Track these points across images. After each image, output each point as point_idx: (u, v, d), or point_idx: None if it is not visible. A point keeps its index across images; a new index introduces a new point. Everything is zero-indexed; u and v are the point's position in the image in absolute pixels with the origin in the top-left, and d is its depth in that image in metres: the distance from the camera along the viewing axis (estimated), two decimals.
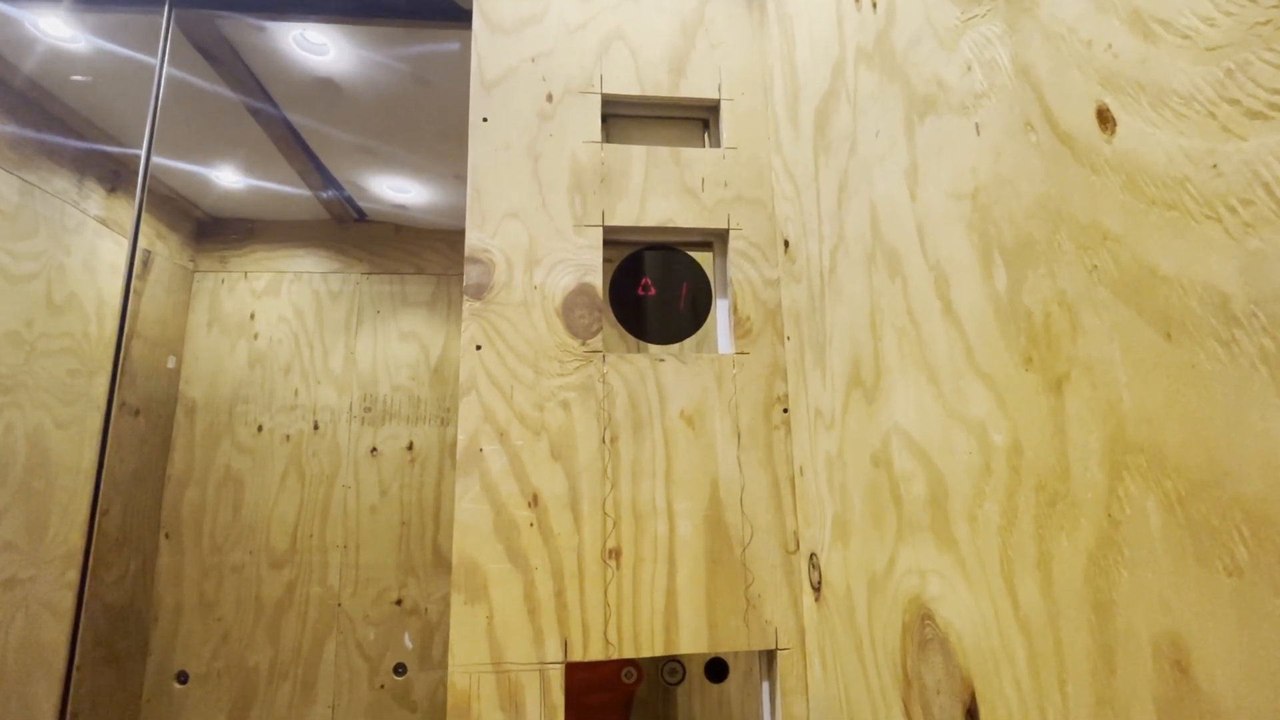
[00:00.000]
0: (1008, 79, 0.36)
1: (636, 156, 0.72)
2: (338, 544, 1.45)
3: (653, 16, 0.76)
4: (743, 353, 0.69)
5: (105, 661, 1.28)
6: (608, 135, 0.75)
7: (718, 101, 0.75)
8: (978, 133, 0.38)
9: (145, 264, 1.41)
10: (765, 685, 0.65)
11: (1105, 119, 0.29)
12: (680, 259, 0.74)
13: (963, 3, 0.40)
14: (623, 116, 0.77)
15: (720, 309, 0.73)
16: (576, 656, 0.60)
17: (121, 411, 1.34)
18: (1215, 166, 0.24)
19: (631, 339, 0.73)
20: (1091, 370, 0.30)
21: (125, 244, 1.34)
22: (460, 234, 0.69)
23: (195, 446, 1.45)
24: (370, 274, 1.59)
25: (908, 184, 0.46)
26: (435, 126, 1.34)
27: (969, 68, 0.39)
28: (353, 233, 1.61)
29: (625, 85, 0.74)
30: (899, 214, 0.47)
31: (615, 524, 0.63)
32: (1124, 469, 0.28)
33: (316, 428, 1.49)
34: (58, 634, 1.16)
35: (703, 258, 0.75)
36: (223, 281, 1.54)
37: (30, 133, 1.21)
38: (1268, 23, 0.23)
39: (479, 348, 0.65)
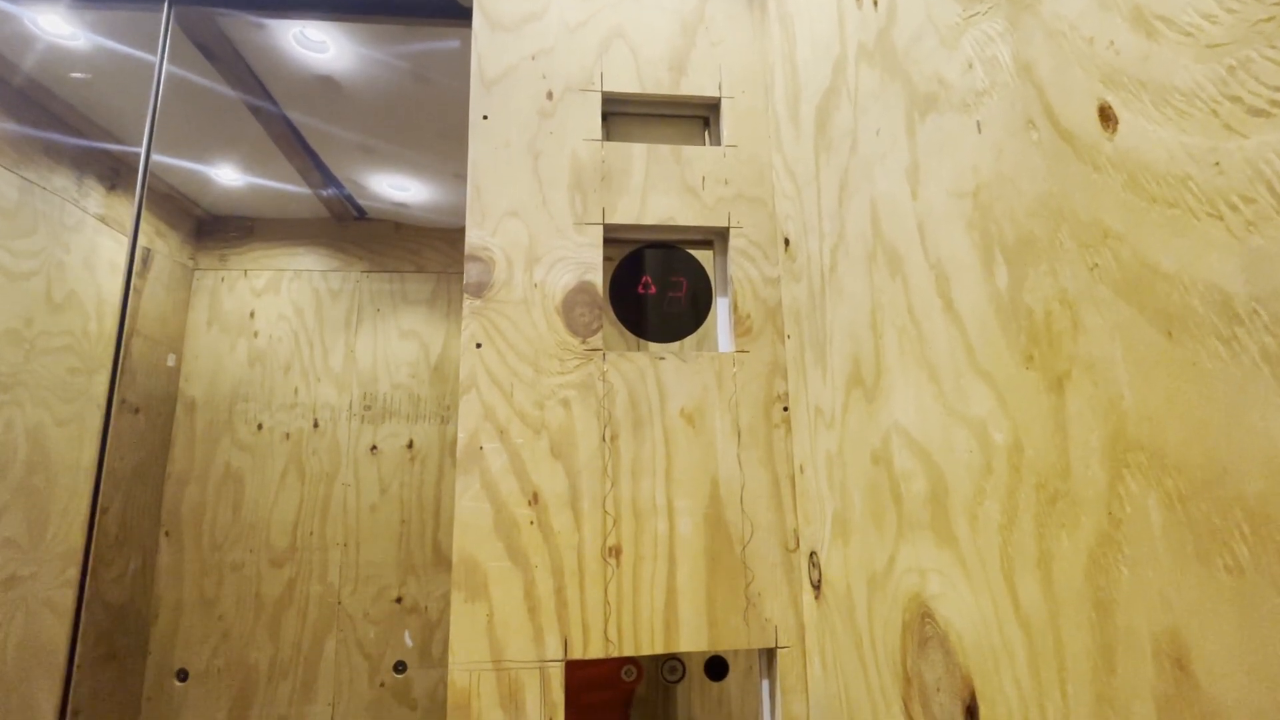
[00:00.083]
0: (1009, 77, 0.36)
1: (637, 154, 0.72)
2: (338, 542, 1.45)
3: (653, 14, 0.76)
4: (743, 351, 0.69)
5: (105, 659, 1.28)
6: (608, 133, 0.75)
7: (718, 99, 0.75)
8: (979, 131, 0.38)
9: (145, 262, 1.41)
10: (765, 683, 0.65)
11: (1107, 116, 0.29)
12: (681, 257, 0.74)
13: (964, 0, 0.40)
14: (623, 114, 0.76)
15: (720, 307, 0.73)
16: (576, 654, 0.60)
17: (121, 409, 1.34)
18: (1217, 164, 0.24)
19: (632, 337, 0.73)
20: (1092, 368, 0.30)
21: (125, 242, 1.34)
22: (460, 232, 0.69)
23: (195, 444, 1.45)
24: (370, 272, 1.59)
25: (909, 182, 0.46)
26: (435, 124, 1.33)
27: (970, 65, 0.39)
28: (353, 231, 1.61)
29: (626, 83, 0.74)
30: (900, 212, 0.47)
31: (615, 522, 0.63)
32: (1125, 467, 0.28)
33: (316, 426, 1.49)
34: (58, 632, 1.16)
35: (703, 256, 0.75)
36: (222, 279, 1.54)
37: (30, 130, 1.21)
38: (1270, 20, 0.23)
39: (479, 346, 0.65)
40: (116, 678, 1.31)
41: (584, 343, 0.67)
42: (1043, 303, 0.33)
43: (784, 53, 0.70)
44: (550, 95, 0.72)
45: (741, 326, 0.69)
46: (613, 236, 0.71)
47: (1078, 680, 0.31)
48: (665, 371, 0.67)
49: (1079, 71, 0.31)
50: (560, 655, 0.60)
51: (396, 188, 1.53)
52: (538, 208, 0.69)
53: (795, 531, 0.65)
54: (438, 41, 1.11)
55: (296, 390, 1.51)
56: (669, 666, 0.68)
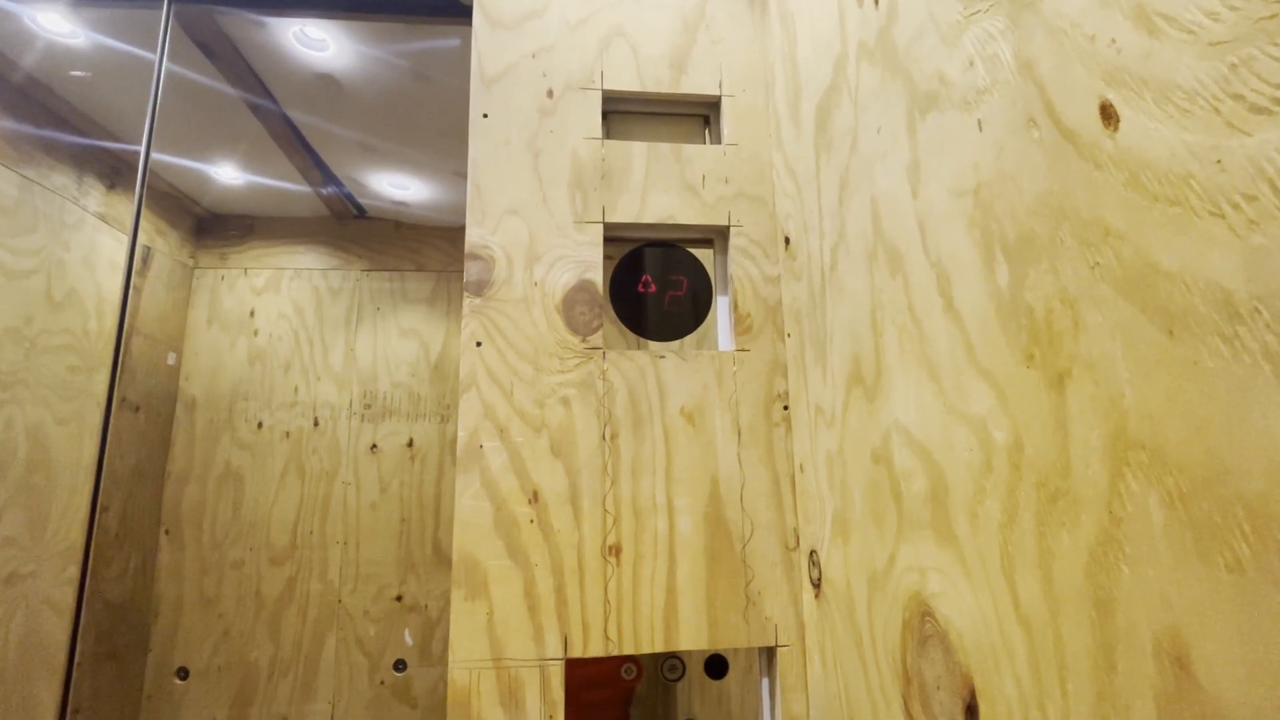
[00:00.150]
0: (1010, 75, 0.36)
1: (637, 153, 0.72)
2: (338, 540, 1.45)
3: (654, 13, 0.76)
4: (743, 350, 0.69)
5: (106, 657, 1.28)
6: (608, 131, 0.75)
7: (719, 98, 0.75)
8: (980, 129, 0.38)
9: (145, 260, 1.41)
10: (765, 682, 0.65)
11: (1108, 115, 0.29)
12: (681, 256, 0.74)
13: None
14: (623, 113, 0.76)
15: (721, 306, 0.72)
16: (576, 653, 0.60)
17: (121, 408, 1.34)
18: (1219, 162, 0.24)
19: (632, 336, 0.73)
20: (1093, 367, 0.30)
21: (125, 240, 1.34)
22: (460, 231, 0.69)
23: (195, 443, 1.45)
24: (370, 270, 1.59)
25: (909, 180, 0.46)
26: (435, 123, 1.33)
27: (971, 63, 0.39)
28: (352, 229, 1.61)
29: (626, 81, 0.74)
30: (900, 211, 0.47)
31: (615, 521, 0.63)
32: (1125, 466, 0.28)
33: (316, 424, 1.49)
34: (59, 630, 1.16)
35: (703, 255, 0.75)
36: (222, 278, 1.54)
37: (29, 128, 1.21)
38: (1272, 17, 0.23)
39: (479, 344, 0.65)
40: (117, 676, 1.31)
41: (584, 341, 0.67)
42: (1043, 301, 0.33)
43: (785, 51, 0.70)
44: (550, 93, 0.72)
45: (742, 325, 0.69)
46: (613, 235, 0.71)
47: (1078, 679, 0.31)
48: (665, 370, 0.67)
49: (1080, 69, 0.31)
50: (560, 653, 0.60)
51: (397, 186, 1.53)
52: (538, 206, 0.69)
53: (795, 530, 0.65)
54: (438, 40, 1.11)
55: (296, 389, 1.51)
56: (669, 665, 0.68)
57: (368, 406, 1.52)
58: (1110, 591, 0.29)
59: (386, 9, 1.05)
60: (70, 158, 1.27)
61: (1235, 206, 0.24)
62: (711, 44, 0.76)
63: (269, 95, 1.24)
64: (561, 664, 0.59)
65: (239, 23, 1.07)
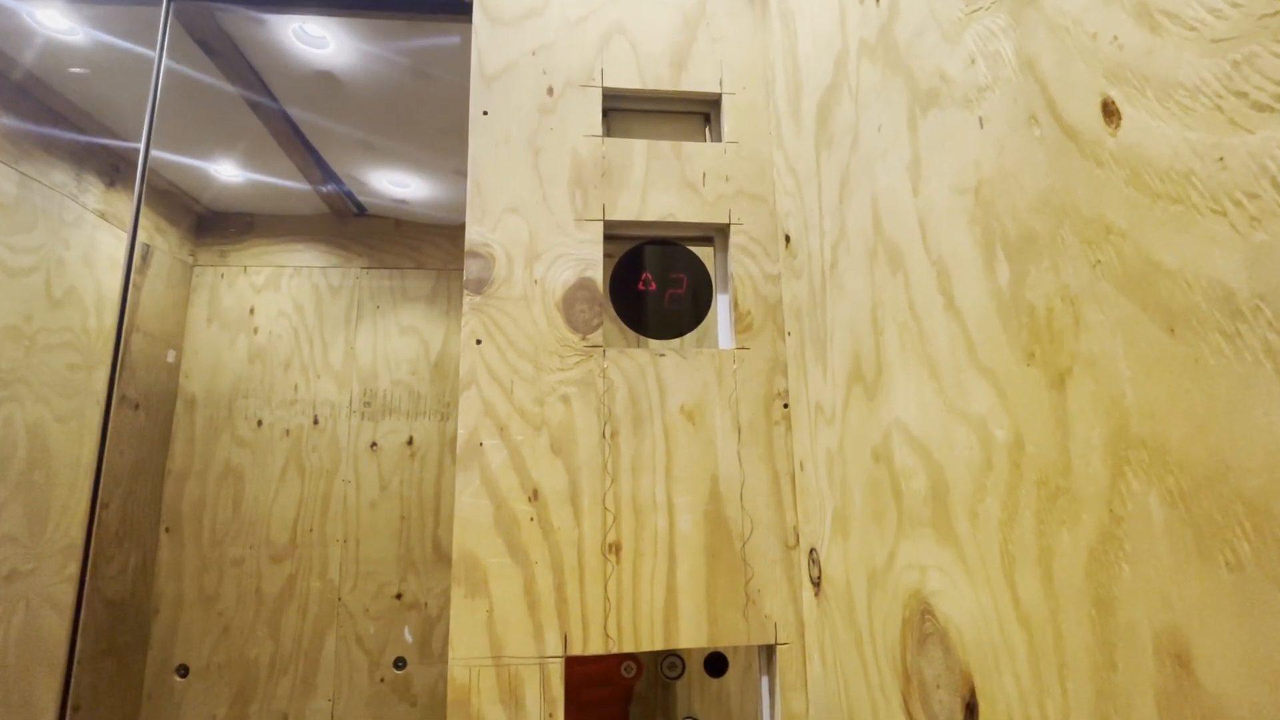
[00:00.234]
0: (1012, 72, 0.36)
1: (637, 151, 0.72)
2: (338, 538, 1.45)
3: (654, 10, 0.76)
4: (743, 348, 0.69)
5: (106, 654, 1.28)
6: (608, 129, 0.75)
7: (719, 95, 0.75)
8: (981, 126, 0.38)
9: (145, 258, 1.41)
10: (764, 680, 0.65)
11: (1110, 112, 0.29)
12: (681, 254, 0.74)
13: None
14: (623, 110, 0.76)
15: (721, 304, 0.72)
16: (576, 651, 0.60)
17: (121, 405, 1.33)
18: (1221, 160, 0.24)
19: (632, 334, 0.73)
20: (1094, 365, 0.30)
21: (124, 238, 1.33)
22: (460, 229, 0.68)
23: (195, 441, 1.45)
24: (370, 269, 1.59)
25: (910, 178, 0.46)
26: (435, 121, 1.33)
27: (973, 61, 0.39)
28: (352, 227, 1.61)
29: (626, 79, 0.74)
30: (901, 208, 0.47)
31: (615, 519, 0.63)
32: (1126, 464, 0.28)
33: (316, 422, 1.49)
34: (59, 627, 1.16)
35: (704, 253, 0.75)
36: (222, 276, 1.54)
37: (29, 126, 1.20)
38: (1275, 14, 0.23)
39: (479, 342, 0.65)
40: (117, 673, 1.31)
41: (584, 339, 0.67)
42: (1044, 299, 0.33)
43: (785, 48, 0.70)
44: (551, 91, 0.72)
45: (742, 323, 0.69)
46: (613, 233, 0.71)
47: (1078, 677, 0.31)
48: (665, 368, 0.67)
49: (1082, 67, 0.31)
50: (560, 651, 0.60)
51: (396, 184, 1.53)
52: (538, 204, 0.69)
53: (795, 528, 0.65)
54: (438, 37, 1.11)
55: (296, 387, 1.51)
56: (669, 663, 0.68)
57: (367, 404, 1.52)
58: (1110, 590, 0.29)
59: (386, 6, 1.05)
60: (69, 155, 1.27)
61: (1237, 204, 0.24)
62: (712, 41, 0.76)
63: (268, 93, 1.24)
64: (561, 662, 0.59)
65: (238, 20, 1.07)
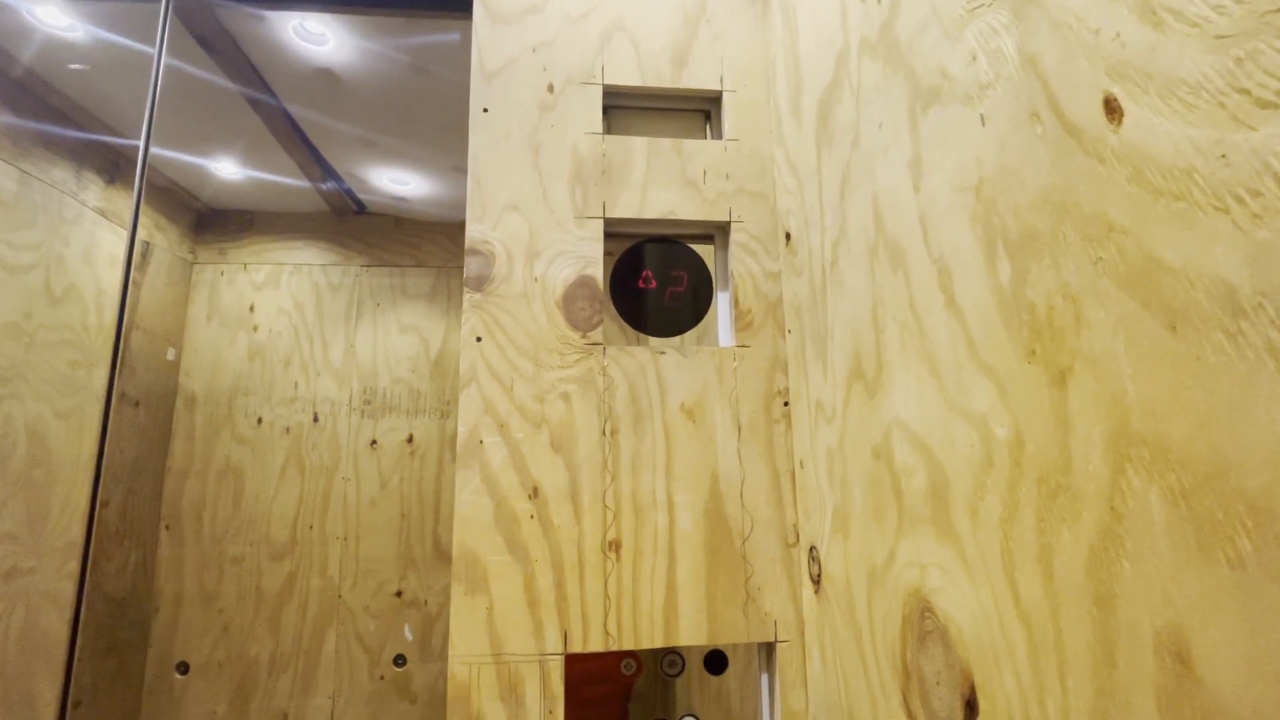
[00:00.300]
0: (1014, 69, 0.36)
1: (638, 148, 0.72)
2: (338, 536, 1.45)
3: (655, 7, 0.75)
4: (744, 346, 0.69)
5: (106, 652, 1.29)
6: (609, 126, 0.75)
7: (720, 93, 0.75)
8: (983, 124, 0.38)
9: (144, 255, 1.41)
10: (764, 677, 0.65)
11: (1112, 109, 0.29)
12: (681, 252, 0.74)
13: None
14: (624, 108, 0.76)
15: (721, 302, 0.72)
16: (576, 648, 0.60)
17: (121, 403, 1.33)
18: (1224, 157, 0.24)
19: (632, 332, 0.73)
20: (1095, 363, 0.30)
21: (124, 235, 1.33)
22: (460, 227, 0.68)
23: (195, 438, 1.45)
24: (370, 266, 1.59)
25: (911, 176, 0.46)
26: (435, 118, 1.33)
27: (974, 58, 0.39)
28: (352, 225, 1.60)
29: (627, 76, 0.73)
30: (902, 206, 0.47)
31: (615, 516, 0.63)
32: (1127, 462, 0.28)
33: (316, 420, 1.49)
34: (59, 624, 1.16)
35: (704, 250, 0.75)
36: (222, 273, 1.54)
37: (28, 122, 1.20)
38: (1279, 11, 0.22)
39: (479, 340, 0.65)
40: (117, 670, 1.31)
41: (584, 337, 0.67)
42: (1045, 297, 0.33)
43: (786, 46, 0.70)
44: (551, 88, 0.72)
45: (742, 321, 0.69)
46: (613, 230, 0.71)
47: (1078, 674, 0.31)
48: (666, 366, 0.67)
49: (1084, 63, 0.31)
50: (560, 649, 0.60)
51: (396, 182, 1.53)
52: (538, 201, 0.69)
53: (795, 526, 0.65)
54: (438, 34, 1.11)
55: (296, 384, 1.51)
56: (668, 660, 0.68)
57: (367, 402, 1.52)
58: (1111, 587, 0.29)
59: (387, 3, 1.04)
60: (69, 152, 1.26)
61: (1240, 201, 0.24)
62: (712, 38, 0.76)
63: (268, 90, 1.24)
64: (561, 659, 0.60)
65: (238, 17, 1.07)
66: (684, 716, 0.66)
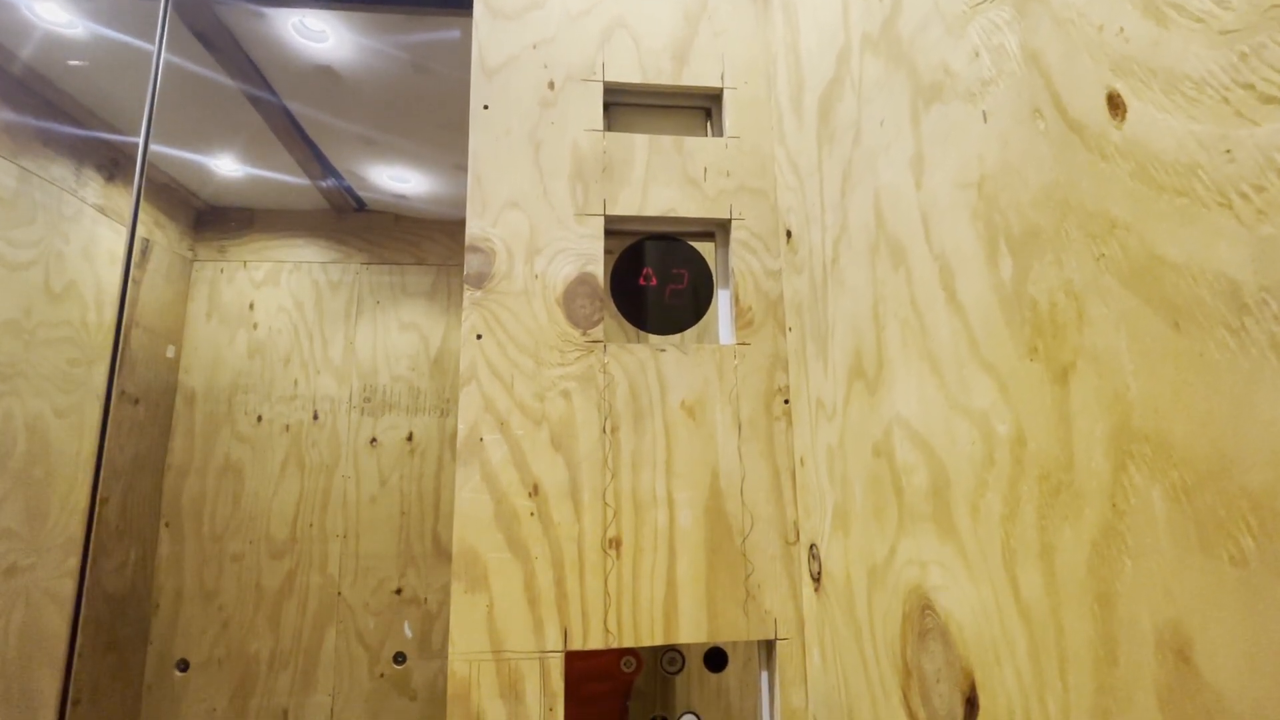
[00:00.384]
0: (1016, 65, 0.36)
1: (639, 145, 0.71)
2: (337, 533, 1.45)
3: (655, 4, 0.75)
4: (744, 343, 0.69)
5: (106, 649, 1.29)
6: (609, 123, 0.75)
7: (721, 90, 0.75)
8: (985, 120, 0.38)
9: (144, 253, 1.41)
10: (764, 675, 0.65)
11: (1116, 105, 0.29)
12: (682, 249, 0.74)
13: None
14: (625, 105, 0.76)
15: (722, 299, 0.72)
16: (576, 645, 0.60)
17: (121, 400, 1.33)
18: (1228, 152, 0.24)
19: (632, 329, 0.73)
20: (1097, 360, 0.30)
21: (124, 232, 1.33)
22: (460, 224, 0.68)
23: (195, 436, 1.45)
24: (370, 264, 1.58)
25: (913, 173, 0.46)
26: (435, 116, 1.33)
27: (977, 54, 0.39)
28: (352, 222, 1.60)
29: (627, 73, 0.73)
30: (903, 203, 0.47)
31: (615, 514, 0.63)
32: (1129, 459, 0.28)
33: (316, 418, 1.49)
34: (59, 621, 1.16)
35: (704, 248, 0.75)
36: (221, 271, 1.54)
37: (27, 119, 1.20)
38: None
39: (479, 337, 0.65)
40: (117, 667, 1.31)
41: (585, 334, 0.66)
42: (1047, 294, 0.33)
43: (787, 43, 0.70)
44: (552, 85, 0.72)
45: (743, 319, 0.69)
46: (614, 228, 0.71)
47: (1079, 671, 0.31)
48: (666, 364, 0.67)
49: (1087, 59, 0.31)
50: (560, 646, 0.60)
51: (396, 179, 1.53)
52: (539, 198, 0.69)
53: (795, 524, 0.65)
54: (438, 31, 1.11)
55: (296, 382, 1.51)
56: (668, 658, 0.68)
57: (367, 400, 1.52)
58: (1112, 584, 0.29)
59: (386, 0, 1.04)
60: (68, 149, 1.26)
61: (1244, 197, 0.23)
62: (713, 36, 0.75)
63: (268, 87, 1.23)
64: (561, 656, 0.60)
65: (237, 13, 1.07)
66: (684, 714, 0.67)
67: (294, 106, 1.29)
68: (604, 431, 0.65)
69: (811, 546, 0.62)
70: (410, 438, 1.52)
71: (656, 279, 0.72)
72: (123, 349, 1.30)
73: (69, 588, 1.18)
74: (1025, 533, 0.34)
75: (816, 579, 0.61)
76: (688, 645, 0.68)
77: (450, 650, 0.59)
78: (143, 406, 1.40)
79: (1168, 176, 0.26)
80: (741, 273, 0.70)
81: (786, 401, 0.68)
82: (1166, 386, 0.26)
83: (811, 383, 0.63)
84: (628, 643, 0.61)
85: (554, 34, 0.73)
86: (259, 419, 1.48)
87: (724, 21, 0.76)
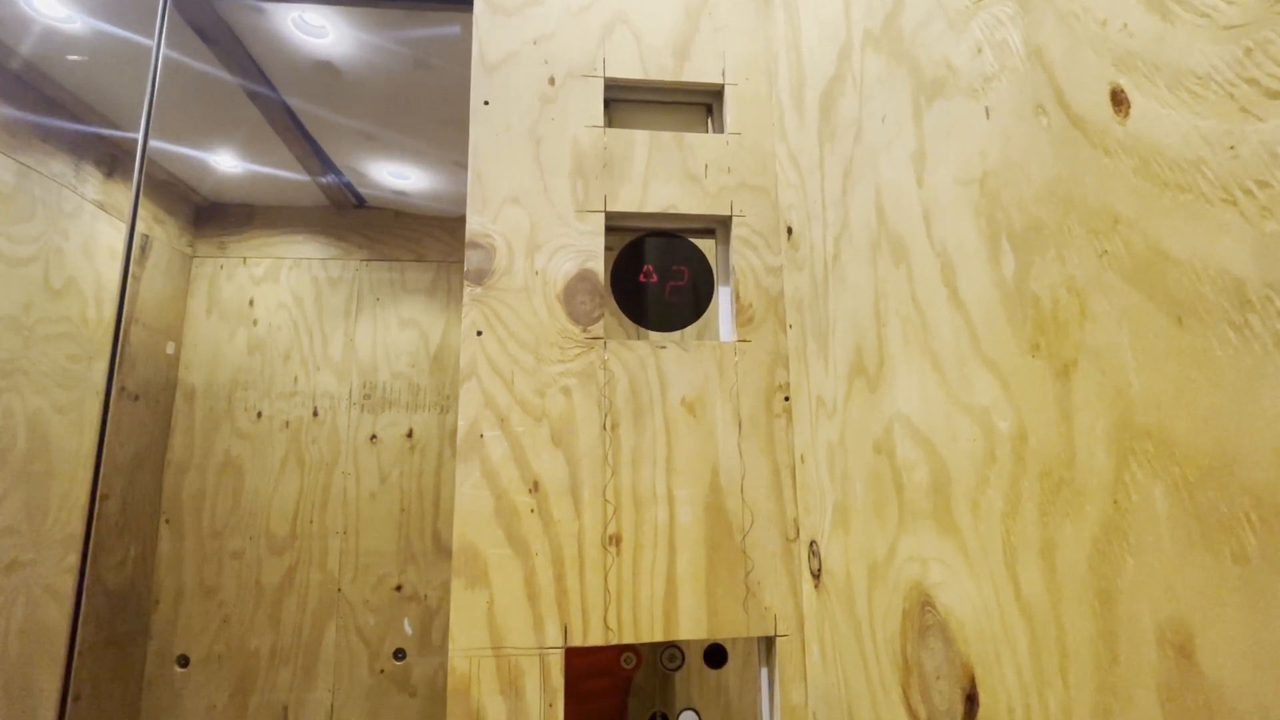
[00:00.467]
0: (1019, 61, 0.36)
1: (639, 141, 0.71)
2: (337, 530, 1.46)
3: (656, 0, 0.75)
4: (744, 340, 0.69)
5: (106, 645, 1.29)
6: (610, 119, 0.75)
7: (722, 86, 0.74)
8: (987, 116, 0.38)
9: (144, 249, 1.41)
10: (764, 671, 0.65)
11: (1119, 100, 0.29)
12: (682, 246, 0.74)
13: None
14: (625, 101, 0.76)
15: (722, 296, 0.72)
16: (576, 642, 0.60)
17: (121, 397, 1.33)
18: (1232, 148, 0.24)
19: (633, 326, 0.72)
20: (1099, 357, 0.30)
21: (123, 228, 1.33)
22: (460, 221, 0.68)
23: (195, 432, 1.45)
24: (370, 260, 1.58)
25: (914, 169, 0.46)
26: (435, 112, 1.32)
27: (979, 50, 0.39)
28: (352, 219, 1.60)
29: (628, 69, 0.73)
30: (905, 200, 0.47)
31: (615, 510, 0.63)
32: (1131, 455, 0.28)
33: (316, 414, 1.49)
34: (59, 617, 1.17)
35: (705, 245, 0.74)
36: (221, 267, 1.53)
37: (26, 115, 1.20)
38: None
39: (480, 333, 0.65)
40: (118, 663, 1.32)
41: (585, 331, 0.66)
42: (1050, 290, 0.33)
43: (789, 39, 0.70)
44: (552, 81, 0.72)
45: (743, 316, 0.69)
46: (614, 224, 0.71)
47: (1079, 668, 0.31)
48: (666, 360, 0.67)
49: (1091, 55, 0.31)
50: (560, 642, 0.60)
51: (396, 175, 1.52)
52: (539, 194, 0.69)
53: (795, 521, 0.65)
54: (438, 27, 1.10)
55: (296, 379, 1.51)
56: (668, 654, 0.68)
57: (367, 397, 1.52)
58: (1113, 581, 0.29)
59: None
60: (68, 145, 1.26)
61: (1248, 193, 0.23)
62: (714, 31, 0.75)
63: (268, 83, 1.23)
64: (561, 652, 0.60)
65: (237, 9, 1.06)
66: (684, 711, 0.67)
67: (294, 102, 1.29)
68: (604, 428, 0.65)
69: (811, 543, 0.62)
70: (410, 434, 1.52)
71: (657, 275, 0.72)
72: (122, 345, 1.30)
73: (69, 584, 1.18)
74: (1026, 529, 0.34)
75: (816, 576, 0.61)
76: (688, 642, 0.68)
77: (450, 646, 0.59)
78: (143, 403, 1.40)
79: (1171, 172, 0.26)
80: (742, 269, 0.70)
81: (787, 398, 0.68)
82: (1169, 383, 0.26)
83: (812, 380, 0.63)
84: (628, 639, 0.61)
85: (554, 29, 0.73)
86: (259, 415, 1.48)
87: (725, 17, 0.76)
